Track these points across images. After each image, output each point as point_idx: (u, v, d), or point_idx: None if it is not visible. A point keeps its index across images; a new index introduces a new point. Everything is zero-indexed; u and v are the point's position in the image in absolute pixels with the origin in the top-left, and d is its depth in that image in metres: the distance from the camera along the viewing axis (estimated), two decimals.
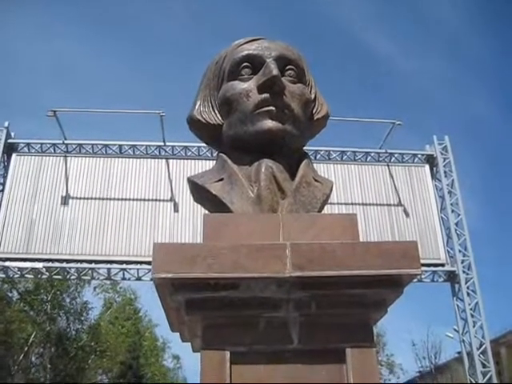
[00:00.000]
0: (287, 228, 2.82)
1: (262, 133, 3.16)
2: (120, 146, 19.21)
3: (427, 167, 20.15)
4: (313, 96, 3.52)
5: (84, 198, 18.42)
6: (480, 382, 17.70)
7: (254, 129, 3.18)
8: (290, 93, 3.27)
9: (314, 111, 3.52)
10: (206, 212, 3.21)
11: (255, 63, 3.30)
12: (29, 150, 19.21)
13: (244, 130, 3.22)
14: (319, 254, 2.60)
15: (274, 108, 3.17)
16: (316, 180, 3.30)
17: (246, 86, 3.28)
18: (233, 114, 3.29)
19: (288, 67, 3.35)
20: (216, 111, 3.44)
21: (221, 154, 3.38)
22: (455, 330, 20.69)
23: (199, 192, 3.32)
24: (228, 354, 2.62)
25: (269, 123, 3.16)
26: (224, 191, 3.14)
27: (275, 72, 3.15)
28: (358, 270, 2.59)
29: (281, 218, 2.89)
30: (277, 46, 3.36)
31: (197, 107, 3.50)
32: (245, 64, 3.33)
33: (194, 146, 19.01)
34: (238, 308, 2.66)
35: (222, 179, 3.21)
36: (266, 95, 3.19)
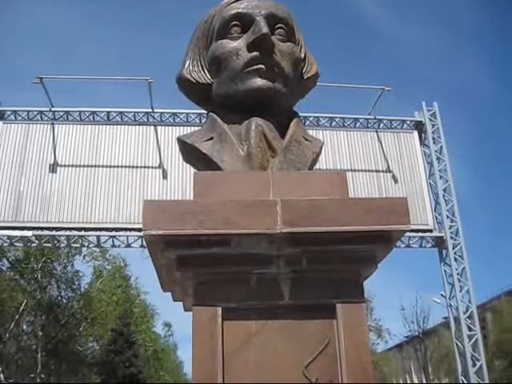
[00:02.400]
0: (277, 185, 2.82)
1: (251, 91, 3.13)
2: (108, 113, 19.03)
3: (416, 133, 20.14)
4: (302, 55, 3.49)
5: (72, 166, 18.30)
6: (466, 345, 17.99)
7: (243, 87, 3.16)
8: (279, 51, 3.24)
9: (303, 70, 3.49)
10: (196, 171, 3.20)
11: (245, 22, 3.26)
12: (15, 117, 18.99)
13: (234, 88, 3.20)
14: (310, 210, 2.60)
15: (263, 66, 3.15)
16: (306, 139, 3.29)
17: (236, 45, 3.24)
18: (222, 73, 3.26)
19: (278, 26, 3.32)
20: (205, 70, 3.41)
21: (210, 114, 3.36)
22: (442, 295, 20.96)
23: (189, 151, 3.30)
24: (219, 309, 2.64)
25: (258, 81, 3.13)
26: (214, 150, 3.12)
27: (265, 30, 3.12)
28: (348, 225, 2.60)
29: (271, 175, 2.89)
30: (266, 5, 3.32)
31: (186, 66, 3.46)
32: (234, 22, 3.28)
33: (182, 113, 18.89)
34: (229, 264, 2.67)
35: (211, 138, 3.19)
36: (255, 53, 3.16)
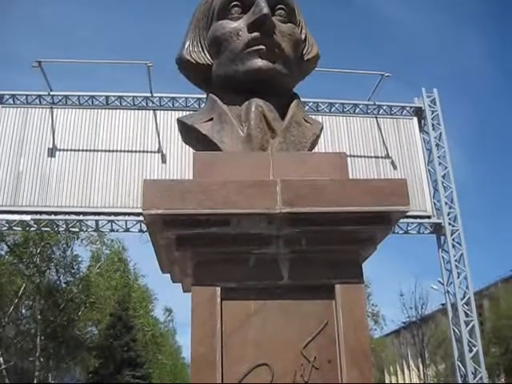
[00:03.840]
0: (277, 166, 2.82)
1: (251, 72, 3.12)
2: (107, 97, 18.96)
3: (415, 120, 20.11)
4: (303, 36, 3.47)
5: (71, 150, 18.25)
6: (463, 331, 18.07)
7: (243, 68, 3.14)
8: (280, 32, 3.22)
9: (304, 52, 3.48)
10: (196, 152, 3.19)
11: (245, 2, 3.24)
12: (14, 101, 18.91)
13: (234, 69, 3.19)
14: (309, 190, 2.60)
15: (264, 47, 3.13)
16: (306, 120, 3.29)
17: (236, 25, 3.22)
18: (222, 54, 3.25)
19: (278, 6, 3.30)
20: (205, 51, 3.39)
21: (210, 95, 3.35)
22: (440, 282, 21.02)
23: (189, 132, 3.29)
24: (218, 289, 2.64)
25: (259, 62, 3.12)
26: (214, 131, 3.12)
27: (266, 10, 3.10)
28: (348, 206, 2.60)
29: (271, 156, 2.89)
30: None
31: (186, 47, 3.45)
32: (234, 3, 3.27)
33: (181, 97, 18.84)
34: (229, 244, 2.67)
35: (211, 119, 3.19)
36: (256, 34, 3.15)
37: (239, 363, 2.60)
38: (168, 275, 3.45)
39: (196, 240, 2.65)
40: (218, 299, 2.63)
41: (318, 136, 3.32)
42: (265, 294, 2.69)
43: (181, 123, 3.35)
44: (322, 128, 3.41)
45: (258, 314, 2.67)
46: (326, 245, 2.71)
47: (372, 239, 2.78)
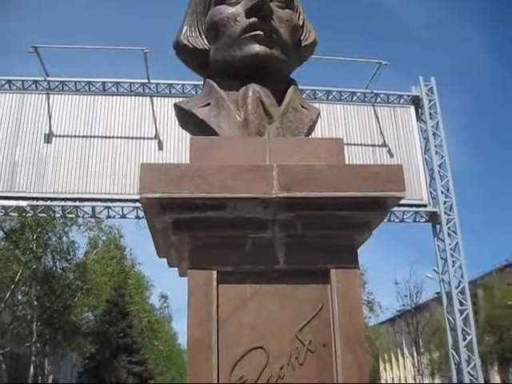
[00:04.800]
0: (274, 151, 2.83)
1: (249, 57, 3.12)
2: (103, 83, 18.90)
3: (412, 108, 20.10)
4: (301, 22, 3.47)
5: (67, 136, 18.21)
6: (457, 319, 18.16)
7: (241, 53, 3.14)
8: (277, 18, 3.22)
9: (301, 38, 3.48)
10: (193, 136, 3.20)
11: None
12: (10, 87, 18.83)
13: (231, 54, 3.19)
14: (306, 175, 2.62)
15: (261, 32, 3.13)
16: (303, 106, 3.29)
17: (234, 10, 3.22)
18: (220, 39, 3.25)
19: None
20: (203, 36, 3.39)
21: (208, 80, 3.35)
22: (435, 270, 21.12)
23: (186, 117, 3.30)
24: (215, 273, 2.66)
25: (256, 48, 3.12)
26: (211, 115, 3.12)
27: None
28: (344, 191, 2.61)
29: (268, 141, 2.90)
30: None
31: (183, 32, 3.44)
32: None
33: (178, 84, 18.79)
34: (225, 228, 2.68)
35: (208, 104, 3.19)
36: (253, 19, 3.15)
37: (235, 346, 2.63)
38: (164, 260, 3.46)
39: (193, 224, 2.66)
40: (215, 283, 2.65)
41: (315, 122, 3.32)
42: (261, 278, 2.71)
43: (178, 108, 3.35)
44: (318, 114, 3.42)
45: (254, 297, 2.69)
46: (321, 230, 2.73)
47: (367, 225, 2.79)
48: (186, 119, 3.30)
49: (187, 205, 2.59)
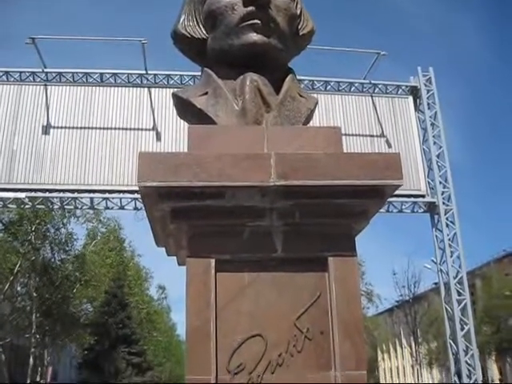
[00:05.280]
0: (272, 139, 2.83)
1: (246, 46, 3.12)
2: (101, 74, 18.82)
3: (411, 99, 20.05)
4: (298, 11, 3.47)
5: (65, 128, 18.16)
6: (455, 309, 18.21)
7: (238, 42, 3.14)
8: (275, 7, 3.21)
9: (299, 27, 3.47)
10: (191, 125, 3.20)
11: None
12: (7, 78, 18.75)
13: (229, 43, 3.18)
14: (304, 163, 2.62)
15: (259, 21, 3.13)
16: (301, 95, 3.30)
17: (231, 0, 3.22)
18: (217, 28, 3.24)
19: None
20: (201, 25, 3.38)
21: (205, 69, 3.34)
22: (433, 261, 21.13)
23: (183, 106, 3.30)
24: (213, 261, 2.67)
25: (254, 36, 3.12)
26: (209, 104, 3.12)
27: None
28: (342, 179, 2.62)
29: (265, 129, 2.90)
30: None
31: (181, 21, 3.43)
32: None
33: (176, 75, 18.72)
34: (223, 217, 2.69)
35: (206, 93, 3.19)
36: (251, 8, 3.14)
37: (233, 334, 2.65)
38: (163, 251, 3.47)
39: (191, 212, 2.67)
40: (213, 271, 2.66)
41: (313, 111, 3.33)
42: (258, 266, 2.72)
43: (176, 97, 3.35)
44: (316, 103, 3.42)
45: (252, 285, 2.71)
46: (319, 218, 2.73)
47: (365, 213, 2.80)
48: (184, 108, 3.31)
49: (185, 193, 2.59)
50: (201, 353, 2.59)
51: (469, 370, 17.69)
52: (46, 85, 18.61)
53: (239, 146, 2.75)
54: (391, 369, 77.29)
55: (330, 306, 2.71)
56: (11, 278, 26.62)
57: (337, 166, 2.63)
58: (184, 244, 2.80)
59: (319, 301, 2.72)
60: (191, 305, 2.65)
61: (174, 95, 3.36)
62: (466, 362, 17.72)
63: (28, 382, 27.58)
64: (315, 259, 2.74)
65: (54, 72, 18.80)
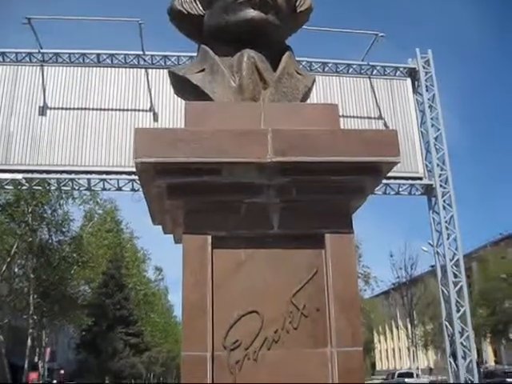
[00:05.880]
0: (269, 116, 2.81)
1: (243, 22, 3.09)
2: (98, 55, 18.68)
3: (409, 81, 19.96)
4: None
5: (62, 109, 18.06)
6: (451, 291, 18.28)
7: (235, 18, 3.11)
8: None
9: (296, 3, 3.44)
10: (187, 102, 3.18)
11: None
12: (3, 59, 18.59)
13: (226, 19, 3.15)
14: (301, 140, 2.61)
15: None
16: (298, 73, 3.28)
17: None
18: (214, 4, 3.21)
19: None
20: (197, 1, 3.35)
21: (202, 46, 3.32)
22: (430, 244, 21.16)
23: (180, 84, 3.28)
24: (209, 238, 2.67)
25: (251, 12, 3.09)
26: (205, 81, 3.10)
27: None
28: (338, 156, 2.61)
29: (262, 106, 2.89)
30: None
31: None
32: None
33: (173, 56, 18.59)
34: (220, 193, 2.69)
35: (203, 70, 3.17)
36: None
37: (229, 310, 2.65)
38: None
39: (187, 189, 2.66)
40: (209, 247, 2.66)
41: (310, 89, 3.31)
42: (255, 242, 2.72)
43: (172, 75, 3.33)
44: (314, 81, 3.40)
45: (249, 262, 2.71)
46: (316, 194, 2.73)
47: (362, 190, 2.80)
48: (181, 86, 3.28)
49: (182, 169, 2.58)
50: (197, 329, 2.60)
51: (464, 352, 17.80)
52: (42, 65, 18.47)
53: (236, 123, 2.73)
54: (387, 350, 77.93)
55: (327, 282, 2.71)
56: (8, 259, 26.63)
57: (334, 143, 2.63)
58: (180, 221, 2.79)
59: (316, 278, 2.73)
60: (187, 281, 2.66)
61: (171, 72, 3.34)
62: (462, 343, 17.84)
63: (26, 362, 27.72)
64: (312, 236, 2.74)
65: (51, 52, 18.65)
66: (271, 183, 2.68)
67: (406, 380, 40.66)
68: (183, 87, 3.26)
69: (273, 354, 2.64)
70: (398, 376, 42.46)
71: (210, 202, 2.70)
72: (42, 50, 18.49)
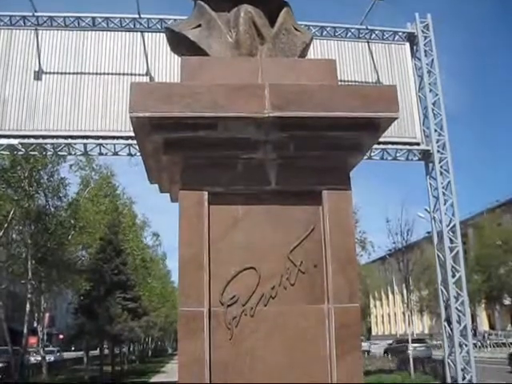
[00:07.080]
0: (266, 71, 2.78)
1: None
2: (93, 18, 18.39)
3: (407, 45, 19.76)
4: None
5: (57, 73, 17.85)
6: (447, 256, 18.37)
7: None
8: None
9: None
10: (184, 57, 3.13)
11: None
12: None
13: None
14: (298, 95, 2.57)
15: None
16: (296, 29, 3.22)
17: None
18: None
19: None
20: None
21: (198, 1, 3.25)
22: (426, 210, 21.19)
23: (176, 40, 3.22)
24: (206, 194, 2.66)
25: None
26: (202, 37, 3.05)
27: None
28: (337, 111, 2.58)
29: (260, 61, 2.84)
30: None
31: None
32: None
33: (169, 19, 18.30)
34: (216, 148, 2.66)
35: (199, 25, 3.11)
36: None
37: (227, 266, 2.65)
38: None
39: (184, 144, 2.63)
40: (206, 203, 2.65)
41: (308, 45, 3.26)
42: (252, 199, 2.71)
43: (169, 31, 3.28)
44: (312, 38, 3.36)
45: (245, 218, 2.70)
46: (313, 150, 2.71)
47: (360, 146, 2.77)
48: (177, 42, 3.23)
49: (178, 124, 2.55)
50: (193, 284, 2.60)
51: (458, 316, 17.98)
52: (36, 29, 18.19)
53: (233, 78, 2.70)
54: (383, 315, 78.82)
55: (324, 239, 2.71)
56: (5, 225, 26.60)
57: (331, 98, 2.59)
58: (177, 178, 2.78)
59: (313, 234, 2.72)
60: (184, 237, 2.65)
61: (167, 29, 3.29)
62: (456, 308, 18.01)
63: (25, 327, 27.91)
64: (309, 192, 2.73)
65: (45, 16, 18.34)
66: (268, 139, 2.65)
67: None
68: (179, 43, 3.21)
69: (270, 311, 2.65)
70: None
71: (206, 158, 2.68)
72: (36, 14, 18.19)
